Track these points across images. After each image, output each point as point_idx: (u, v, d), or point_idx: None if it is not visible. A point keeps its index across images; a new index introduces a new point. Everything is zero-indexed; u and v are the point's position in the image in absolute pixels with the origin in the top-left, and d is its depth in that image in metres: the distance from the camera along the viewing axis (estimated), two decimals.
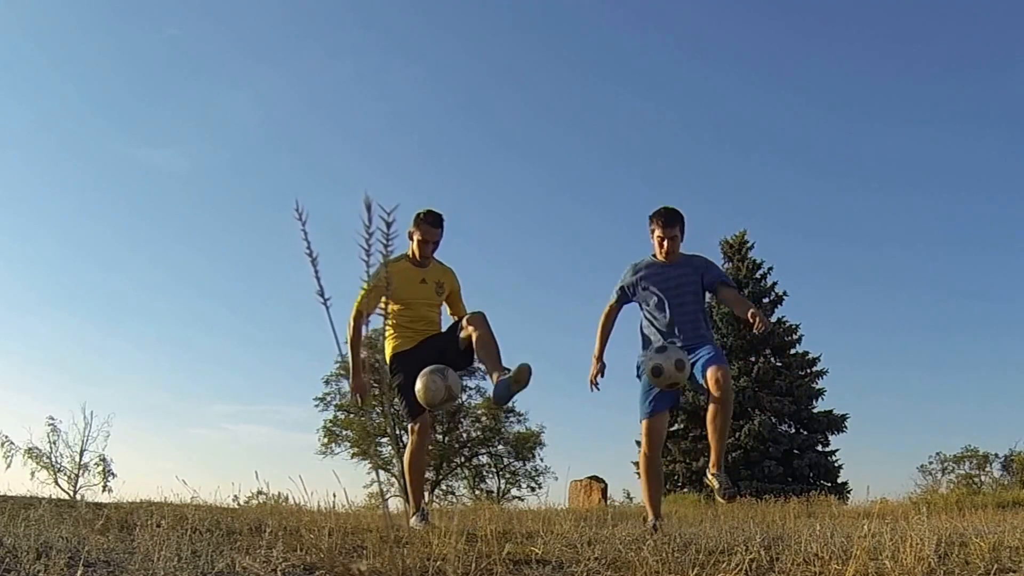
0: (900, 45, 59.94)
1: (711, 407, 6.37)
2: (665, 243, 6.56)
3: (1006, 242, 55.83)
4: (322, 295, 1.99)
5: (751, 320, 6.41)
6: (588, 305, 63.13)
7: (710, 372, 6.35)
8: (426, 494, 6.47)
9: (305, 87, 67.46)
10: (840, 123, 60.75)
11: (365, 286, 6.83)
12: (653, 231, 6.63)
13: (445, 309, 7.12)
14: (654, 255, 6.75)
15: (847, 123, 60.62)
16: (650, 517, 6.67)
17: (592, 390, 6.84)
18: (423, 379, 6.29)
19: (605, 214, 65.70)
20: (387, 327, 6.99)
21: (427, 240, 6.82)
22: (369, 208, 1.86)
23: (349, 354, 7.04)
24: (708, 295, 6.83)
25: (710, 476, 6.51)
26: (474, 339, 6.58)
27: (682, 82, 64.62)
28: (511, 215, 68.59)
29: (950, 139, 58.42)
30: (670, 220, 6.58)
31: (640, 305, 6.83)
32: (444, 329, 7.02)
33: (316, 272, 1.96)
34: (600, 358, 6.94)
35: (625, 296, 6.87)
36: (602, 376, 6.93)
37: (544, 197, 67.87)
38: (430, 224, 6.79)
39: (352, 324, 6.90)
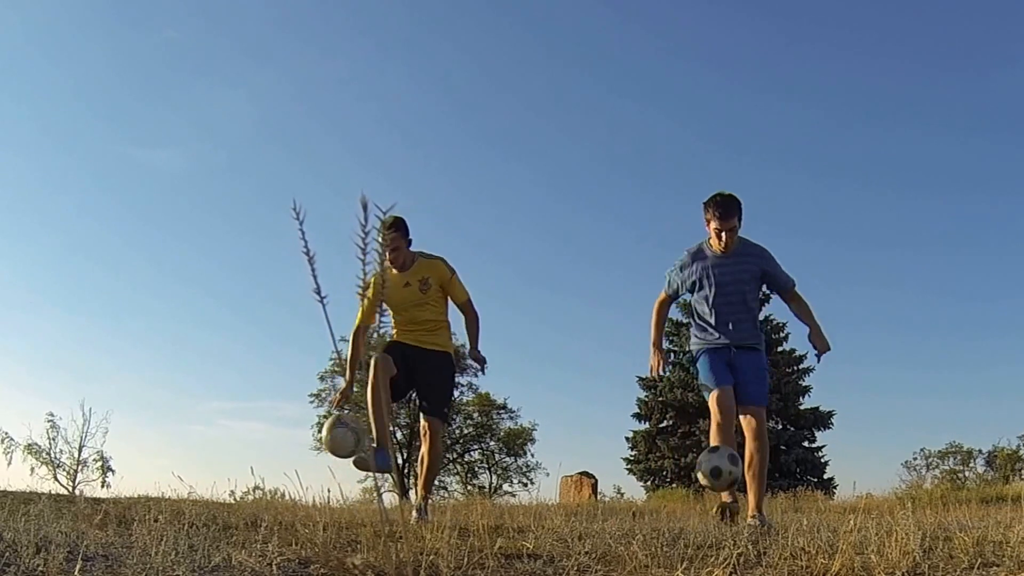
0: (891, 47, 60.09)
1: (747, 451, 6.28)
2: (724, 235, 6.22)
3: (990, 242, 56.06)
4: (319, 293, 1.99)
5: (814, 344, 6.39)
6: (579, 303, 63.23)
7: (745, 420, 6.30)
8: (421, 490, 6.41)
9: (300, 87, 67.44)
10: (828, 124, 60.87)
11: (363, 302, 6.94)
12: (709, 221, 6.27)
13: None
14: (709, 242, 6.47)
15: (835, 124, 60.76)
16: (726, 497, 6.49)
17: (656, 377, 6.67)
18: (330, 430, 6.31)
19: (597, 213, 65.75)
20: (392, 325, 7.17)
21: (387, 248, 6.85)
22: (365, 208, 1.86)
23: (347, 366, 7.17)
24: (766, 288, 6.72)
25: (749, 519, 6.15)
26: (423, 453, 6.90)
27: (673, 82, 64.60)
28: (504, 213, 68.51)
29: (937, 140, 58.60)
30: (728, 211, 6.20)
31: (694, 302, 6.64)
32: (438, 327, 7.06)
33: (313, 271, 1.95)
34: (659, 346, 6.75)
35: (676, 291, 6.72)
36: (664, 364, 6.76)
37: (536, 196, 67.88)
38: (388, 229, 6.80)
39: (352, 340, 7.14)
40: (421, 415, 7.06)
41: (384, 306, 6.82)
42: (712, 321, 6.47)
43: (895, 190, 59.48)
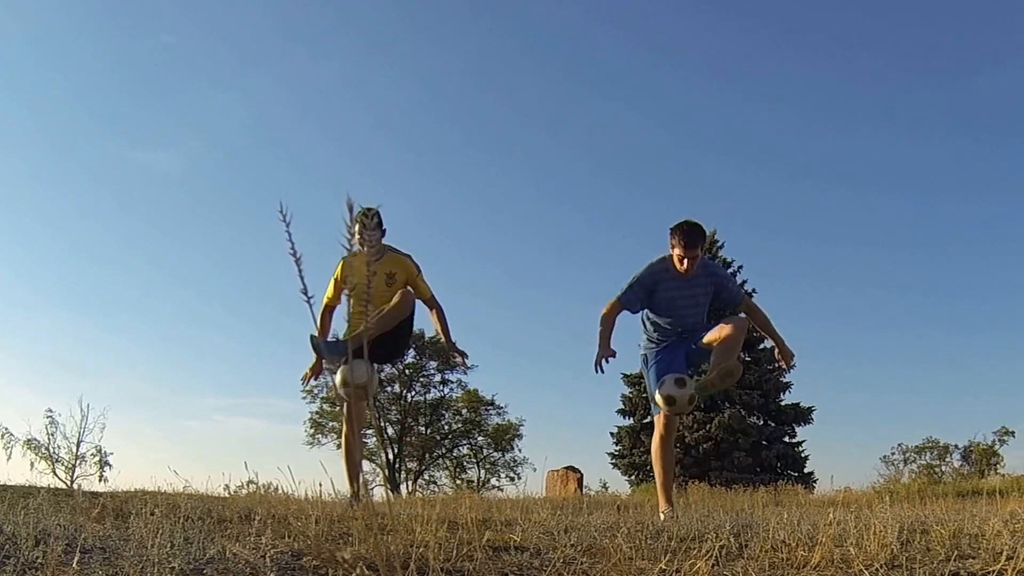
0: (872, 50, 60.12)
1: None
2: (686, 262, 6.39)
3: (968, 241, 56.24)
4: (305, 293, 1.99)
5: (781, 355, 6.48)
6: (565, 302, 63.22)
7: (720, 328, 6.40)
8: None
9: (293, 90, 67.21)
10: (809, 126, 60.90)
11: (332, 283, 7.02)
12: (674, 246, 6.43)
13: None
14: (671, 261, 6.55)
15: (816, 126, 60.78)
16: (662, 505, 6.58)
17: (597, 372, 6.59)
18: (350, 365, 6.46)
19: (583, 214, 65.73)
20: (346, 317, 7.51)
21: (364, 241, 6.94)
22: (351, 209, 1.87)
23: (316, 339, 7.17)
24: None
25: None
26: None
27: (657, 86, 64.66)
28: (491, 214, 68.51)
29: (915, 142, 58.64)
30: (692, 240, 6.38)
31: (651, 312, 6.76)
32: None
33: (300, 271, 1.96)
34: (608, 345, 6.65)
35: (632, 305, 6.70)
36: (607, 361, 6.57)
37: (523, 197, 67.83)
38: (363, 225, 6.88)
39: (320, 318, 7.27)
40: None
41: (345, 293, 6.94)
42: (665, 327, 6.72)
43: (874, 191, 59.62)
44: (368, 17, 66.43)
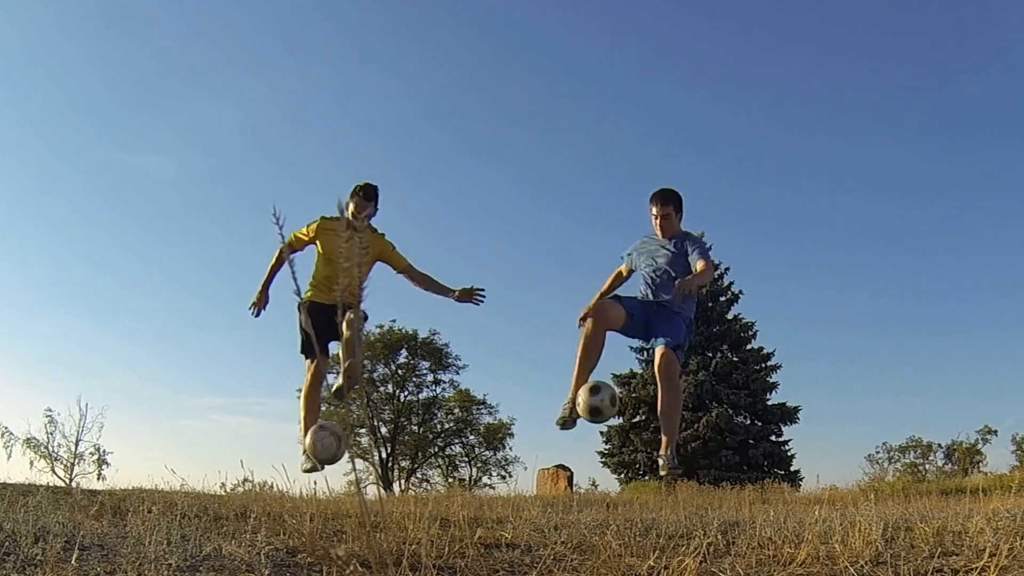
0: (854, 58, 60.35)
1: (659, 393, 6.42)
2: (659, 220, 6.74)
3: (951, 243, 56.42)
4: (298, 294, 2.00)
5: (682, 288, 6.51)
6: (556, 302, 63.24)
7: (656, 353, 6.41)
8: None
9: (285, 95, 67.27)
10: (795, 131, 61.04)
11: (304, 228, 6.95)
12: (651, 209, 6.82)
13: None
14: (654, 231, 6.88)
15: (801, 131, 60.92)
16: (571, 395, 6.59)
17: (580, 325, 6.68)
18: (314, 435, 6.35)
19: (571, 216, 65.84)
20: (311, 278, 7.20)
21: (358, 213, 6.94)
22: (342, 212, 1.88)
23: (265, 273, 7.14)
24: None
25: (660, 456, 6.44)
26: (343, 339, 6.72)
27: (645, 91, 64.77)
28: (484, 216, 68.65)
29: (899, 147, 58.77)
30: (664, 199, 6.76)
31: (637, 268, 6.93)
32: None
33: (293, 272, 1.96)
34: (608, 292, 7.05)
35: (625, 257, 7.09)
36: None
37: (516, 199, 67.90)
38: (362, 198, 6.92)
39: (277, 254, 7.10)
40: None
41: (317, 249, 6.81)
42: (651, 287, 6.72)
43: (859, 194, 59.76)
44: (359, 23, 66.59)
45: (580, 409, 6.13)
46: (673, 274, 6.64)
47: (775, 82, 59.66)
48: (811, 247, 58.61)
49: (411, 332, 45.64)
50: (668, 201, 6.79)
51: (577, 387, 6.31)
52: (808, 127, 59.75)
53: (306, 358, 7.09)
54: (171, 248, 65.37)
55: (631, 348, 35.13)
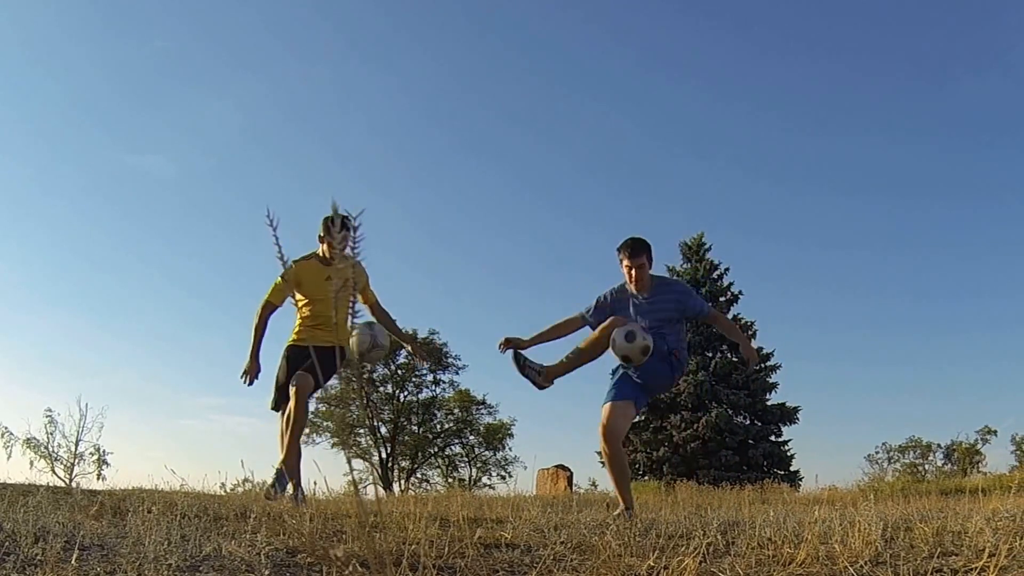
0: (852, 58, 60.35)
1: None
2: (633, 272, 6.42)
3: (951, 243, 56.51)
4: (293, 297, 2.00)
5: (745, 356, 6.47)
6: (555, 302, 63.38)
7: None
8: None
9: (284, 95, 67.36)
10: (794, 131, 61.12)
11: (278, 280, 6.95)
12: (621, 261, 6.49)
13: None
14: (628, 284, 6.58)
15: (802, 131, 61.00)
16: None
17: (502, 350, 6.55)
18: (356, 333, 6.47)
19: (570, 216, 65.96)
20: (297, 320, 7.22)
21: (334, 247, 6.92)
22: (335, 214, 1.87)
23: (252, 341, 7.08)
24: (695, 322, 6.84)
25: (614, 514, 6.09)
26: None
27: (644, 91, 64.78)
28: (481, 216, 68.72)
29: (897, 146, 58.87)
30: (636, 250, 6.43)
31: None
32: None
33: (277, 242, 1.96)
34: (537, 341, 6.72)
35: (598, 312, 6.64)
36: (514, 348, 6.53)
37: (515, 199, 67.95)
38: (337, 228, 6.84)
39: (259, 313, 7.04)
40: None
41: (296, 297, 6.85)
42: None
43: (859, 194, 59.85)
44: (359, 24, 66.78)
45: (613, 349, 6.13)
46: (664, 336, 6.45)
47: (775, 82, 59.92)
48: (811, 247, 58.83)
49: (411, 332, 45.66)
50: (640, 252, 6.46)
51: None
52: (808, 127, 59.95)
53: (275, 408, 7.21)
54: (171, 248, 65.60)
55: None
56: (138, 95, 65.46)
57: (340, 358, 6.62)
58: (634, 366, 6.24)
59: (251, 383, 7.12)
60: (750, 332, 33.86)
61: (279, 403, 7.12)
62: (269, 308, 7.04)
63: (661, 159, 64.05)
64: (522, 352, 6.42)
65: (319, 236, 6.97)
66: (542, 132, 67.34)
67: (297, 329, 7.15)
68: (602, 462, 7.04)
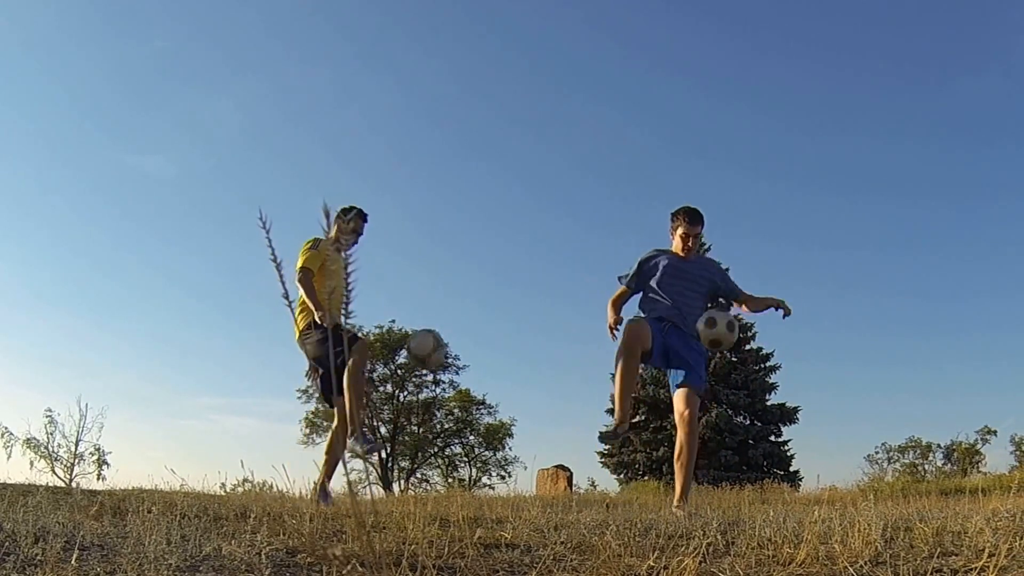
0: (851, 59, 60.39)
1: (677, 440, 6.43)
2: (690, 240, 6.57)
3: (951, 243, 56.57)
4: (287, 298, 2.00)
5: (781, 308, 6.47)
6: (556, 303, 63.41)
7: (680, 399, 6.45)
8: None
9: (284, 95, 67.42)
10: (794, 131, 61.26)
11: (311, 249, 6.88)
12: (676, 228, 6.63)
13: None
14: (672, 248, 6.74)
15: (801, 131, 61.13)
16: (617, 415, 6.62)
17: (613, 337, 6.71)
18: (423, 334, 6.65)
19: (571, 217, 66.01)
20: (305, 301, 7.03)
21: (357, 232, 6.95)
22: (328, 216, 1.87)
23: (312, 301, 6.91)
24: (722, 300, 6.85)
25: (674, 509, 6.12)
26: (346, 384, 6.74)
27: (645, 92, 64.83)
28: (480, 215, 68.77)
29: (897, 147, 58.97)
30: (695, 218, 6.61)
31: (647, 289, 6.76)
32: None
33: (281, 276, 1.96)
34: (617, 313, 6.89)
35: (640, 273, 6.76)
36: (618, 328, 6.76)
37: (515, 200, 67.99)
38: (363, 220, 7.14)
39: (305, 278, 6.94)
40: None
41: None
42: (662, 302, 6.61)
43: (858, 194, 59.94)
44: (358, 24, 66.79)
45: (701, 339, 6.32)
46: (699, 298, 6.64)
47: (775, 82, 59.84)
48: (811, 247, 58.87)
49: (411, 332, 45.56)
50: (698, 220, 6.62)
51: (623, 409, 6.48)
52: (808, 126, 60.17)
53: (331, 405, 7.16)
54: (171, 248, 65.66)
55: None
56: (138, 95, 65.57)
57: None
58: (726, 347, 6.43)
59: (327, 322, 6.80)
60: (750, 333, 33.85)
61: (333, 389, 7.06)
62: (310, 274, 6.94)
63: (661, 159, 64.12)
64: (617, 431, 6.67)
65: (336, 222, 6.94)
66: (544, 132, 67.42)
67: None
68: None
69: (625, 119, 65.54)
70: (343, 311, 1.88)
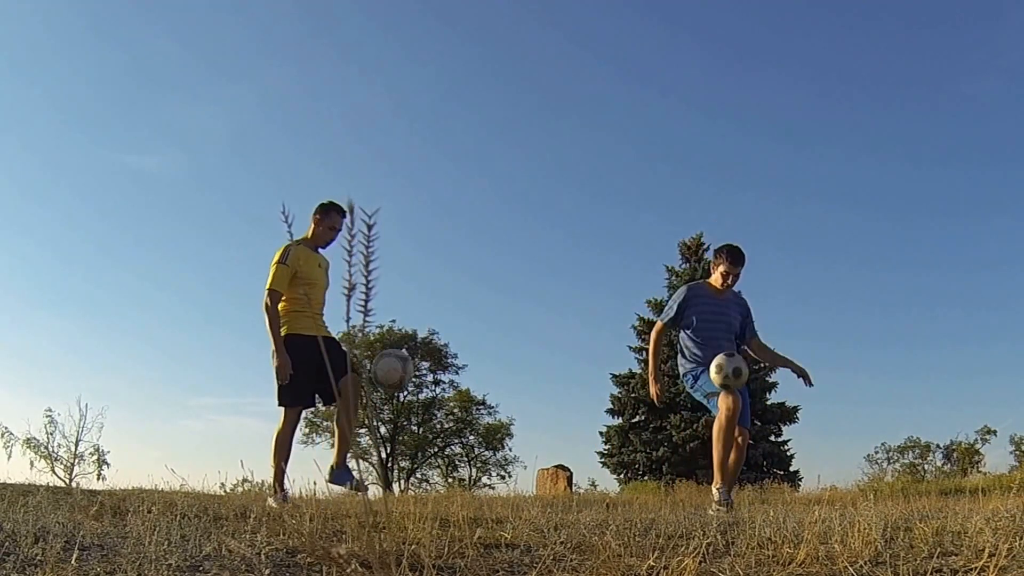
0: (847, 71, 60.67)
1: (730, 461, 6.90)
2: (729, 278, 7.00)
3: (949, 250, 56.74)
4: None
5: (803, 378, 6.69)
6: (555, 305, 63.50)
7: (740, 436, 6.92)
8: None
9: (272, 99, 67.55)
10: (782, 147, 61.87)
11: (279, 265, 6.76)
12: (719, 265, 7.01)
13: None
14: (708, 282, 7.15)
15: (790, 147, 61.70)
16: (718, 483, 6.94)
17: (659, 404, 7.13)
18: (386, 359, 6.51)
19: (567, 223, 66.21)
20: (287, 307, 6.89)
21: (336, 229, 6.89)
22: (352, 211, 1.86)
23: (272, 335, 6.79)
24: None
25: (714, 489, 6.93)
26: (339, 408, 6.86)
27: (640, 105, 65.01)
28: (479, 217, 68.90)
29: (891, 164, 59.35)
30: (738, 259, 6.97)
31: (687, 325, 7.13)
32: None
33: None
34: (658, 376, 7.34)
35: (680, 314, 7.12)
36: (664, 392, 7.36)
37: (511, 200, 68.05)
38: (342, 216, 6.79)
39: (271, 303, 6.77)
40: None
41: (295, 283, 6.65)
42: (707, 345, 7.05)
43: (850, 202, 60.32)
44: (348, 32, 67.05)
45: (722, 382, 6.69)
46: (733, 336, 7.22)
47: (773, 94, 60.02)
48: (809, 250, 58.98)
49: (410, 332, 45.69)
50: (741, 261, 6.98)
51: (724, 480, 6.93)
52: (799, 143, 60.45)
53: (287, 404, 6.94)
54: (171, 248, 65.67)
55: (629, 347, 35.18)
56: (137, 96, 65.71)
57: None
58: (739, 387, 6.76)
59: (287, 379, 6.74)
60: None
61: (301, 399, 6.93)
62: (277, 296, 6.76)
63: (658, 169, 64.40)
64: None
65: (316, 220, 6.89)
66: (526, 139, 67.59)
67: (294, 316, 6.87)
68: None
69: (621, 132, 66.01)
70: (362, 309, 1.86)
